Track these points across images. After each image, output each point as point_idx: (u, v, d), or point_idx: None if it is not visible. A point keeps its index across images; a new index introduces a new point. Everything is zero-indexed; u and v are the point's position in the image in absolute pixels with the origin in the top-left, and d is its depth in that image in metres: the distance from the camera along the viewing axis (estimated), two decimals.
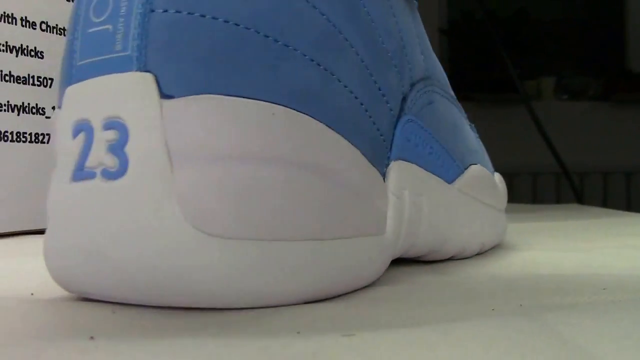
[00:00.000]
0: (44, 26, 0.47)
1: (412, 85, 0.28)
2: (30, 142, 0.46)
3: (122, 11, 0.21)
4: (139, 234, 0.20)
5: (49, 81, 0.47)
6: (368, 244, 0.24)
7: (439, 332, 0.18)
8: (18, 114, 0.45)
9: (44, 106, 0.47)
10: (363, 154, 0.24)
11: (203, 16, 0.21)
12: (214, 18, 0.21)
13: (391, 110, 0.26)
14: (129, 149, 0.20)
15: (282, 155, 0.21)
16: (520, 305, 0.22)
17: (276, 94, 0.21)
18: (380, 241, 0.25)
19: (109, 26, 0.21)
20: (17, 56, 0.45)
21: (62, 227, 0.22)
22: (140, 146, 0.20)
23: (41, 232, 0.45)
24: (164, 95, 0.20)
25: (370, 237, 0.24)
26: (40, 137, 0.46)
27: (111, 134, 0.20)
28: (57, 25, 0.47)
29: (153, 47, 0.20)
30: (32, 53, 0.46)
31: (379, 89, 0.25)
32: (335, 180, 0.23)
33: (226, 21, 0.21)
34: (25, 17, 0.45)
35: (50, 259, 0.22)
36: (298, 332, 0.19)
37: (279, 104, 0.21)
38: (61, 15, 0.48)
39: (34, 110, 0.46)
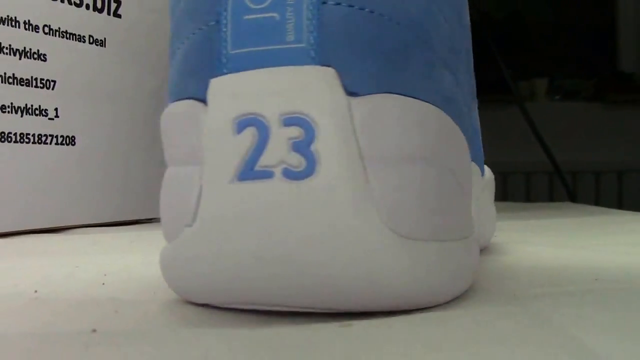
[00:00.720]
0: (46, 29, 0.47)
1: None
2: (33, 142, 0.46)
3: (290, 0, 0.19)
4: (333, 236, 0.18)
5: (52, 83, 0.47)
6: (473, 243, 0.24)
7: (433, 321, 0.18)
8: (21, 116, 0.45)
9: (46, 108, 0.47)
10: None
11: (372, 12, 0.20)
12: (380, 15, 0.20)
13: (472, 111, 0.27)
14: (318, 147, 0.18)
15: (443, 158, 0.21)
16: (514, 295, 0.22)
17: (435, 96, 0.21)
18: (475, 240, 0.25)
19: (275, 14, 0.19)
20: (20, 59, 0.45)
21: (224, 232, 0.19)
22: (330, 145, 0.18)
23: (44, 231, 0.45)
24: (348, 92, 0.19)
25: (472, 236, 0.24)
26: (43, 138, 0.46)
27: (294, 131, 0.19)
28: (59, 28, 0.47)
29: (331, 40, 0.19)
30: (35, 56, 0.46)
31: (471, 91, 0.25)
32: (460, 182, 0.22)
33: (390, 19, 0.20)
34: (29, 21, 0.45)
35: (191, 266, 0.20)
36: (296, 324, 0.19)
37: (438, 107, 0.21)
38: (64, 19, 0.48)
39: (37, 112, 0.46)
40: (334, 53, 0.19)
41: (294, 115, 0.19)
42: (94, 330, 0.18)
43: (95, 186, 0.50)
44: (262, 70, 0.19)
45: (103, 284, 0.26)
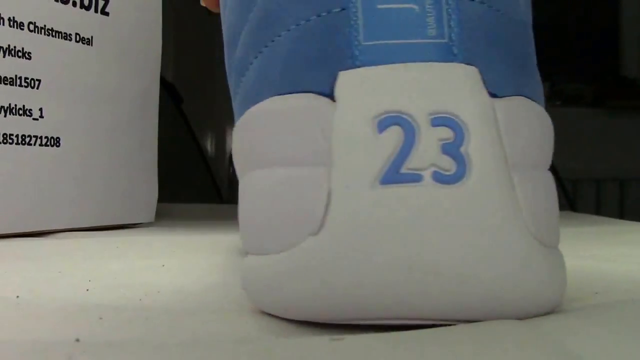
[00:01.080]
0: (31, 27, 0.46)
1: None
2: (17, 144, 0.46)
3: None
4: (483, 245, 0.18)
5: (37, 82, 0.47)
6: None
7: (430, 337, 0.18)
8: (5, 116, 0.45)
9: (31, 108, 0.46)
10: None
11: (498, 10, 0.19)
12: (504, 14, 0.20)
13: None
14: (468, 150, 0.18)
15: (549, 163, 0.21)
16: None
17: (541, 99, 0.21)
18: None
19: (414, 6, 0.18)
20: (4, 57, 0.45)
21: (365, 240, 0.18)
22: (481, 148, 0.18)
23: (27, 235, 0.45)
24: (490, 93, 0.18)
25: None
26: (27, 139, 0.46)
27: (444, 132, 0.18)
28: (45, 25, 0.47)
29: (472, 38, 0.19)
30: (20, 54, 0.46)
31: None
32: None
33: (510, 20, 0.20)
34: (13, 17, 0.45)
35: (319, 279, 0.18)
36: (286, 336, 0.19)
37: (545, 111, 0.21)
38: (50, 16, 0.48)
39: (20, 112, 0.46)
40: (476, 51, 0.19)
41: (442, 115, 0.18)
42: (77, 340, 0.18)
43: (80, 189, 0.50)
44: (403, 65, 0.18)
45: (87, 290, 0.26)
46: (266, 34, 0.20)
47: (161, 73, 0.58)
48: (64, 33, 0.49)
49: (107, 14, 0.52)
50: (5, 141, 0.45)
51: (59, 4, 0.48)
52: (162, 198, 0.58)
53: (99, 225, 0.52)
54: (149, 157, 0.57)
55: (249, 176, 0.20)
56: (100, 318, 0.21)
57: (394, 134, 0.18)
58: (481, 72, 0.19)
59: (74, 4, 0.49)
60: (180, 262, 0.34)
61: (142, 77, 0.56)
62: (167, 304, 0.23)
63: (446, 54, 0.18)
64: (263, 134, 0.20)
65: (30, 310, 0.22)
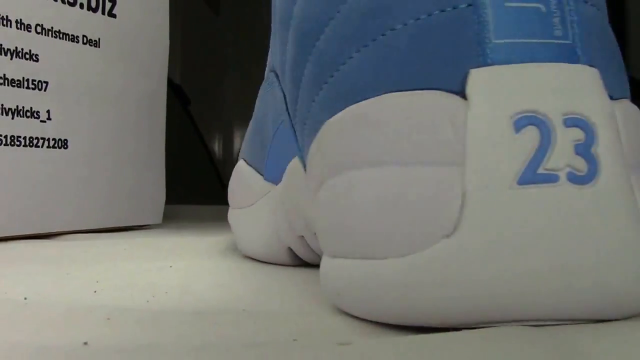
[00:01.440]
0: (39, 29, 0.47)
1: None
2: (24, 146, 0.46)
3: None
4: (613, 246, 0.18)
5: (44, 84, 0.47)
6: None
7: (438, 341, 0.18)
8: (12, 118, 0.45)
9: (38, 110, 0.46)
10: None
11: (602, 13, 0.20)
12: (605, 17, 0.20)
13: None
14: (598, 151, 0.18)
15: None
16: None
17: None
18: None
19: (540, 5, 0.19)
20: (11, 59, 0.45)
21: (509, 242, 0.17)
22: (609, 149, 0.18)
23: (34, 237, 0.45)
24: (608, 95, 0.19)
25: None
26: (35, 142, 0.46)
27: (576, 133, 0.18)
28: (52, 27, 0.47)
29: (590, 40, 0.19)
30: (27, 56, 0.46)
31: None
32: None
33: (607, 21, 0.20)
34: (20, 20, 0.45)
35: (459, 282, 0.18)
36: (295, 340, 0.19)
37: None
38: (57, 18, 0.48)
39: (28, 114, 0.46)
40: (594, 53, 0.19)
41: (574, 116, 0.18)
42: (85, 343, 0.18)
43: (88, 191, 0.50)
44: (535, 64, 0.18)
45: (95, 291, 0.26)
46: (373, 27, 0.20)
47: (168, 74, 0.58)
48: (71, 35, 0.49)
49: (114, 15, 0.52)
50: (12, 143, 0.45)
51: (66, 6, 0.48)
52: (169, 200, 0.58)
53: (106, 227, 0.52)
54: (156, 158, 0.57)
55: (352, 176, 0.20)
56: (108, 319, 0.21)
57: (531, 133, 0.18)
58: (601, 74, 0.19)
59: (81, 6, 0.50)
60: (188, 264, 0.34)
61: (149, 78, 0.56)
62: (174, 306, 0.23)
63: (572, 55, 0.18)
64: (380, 132, 0.19)
65: (38, 312, 0.22)
